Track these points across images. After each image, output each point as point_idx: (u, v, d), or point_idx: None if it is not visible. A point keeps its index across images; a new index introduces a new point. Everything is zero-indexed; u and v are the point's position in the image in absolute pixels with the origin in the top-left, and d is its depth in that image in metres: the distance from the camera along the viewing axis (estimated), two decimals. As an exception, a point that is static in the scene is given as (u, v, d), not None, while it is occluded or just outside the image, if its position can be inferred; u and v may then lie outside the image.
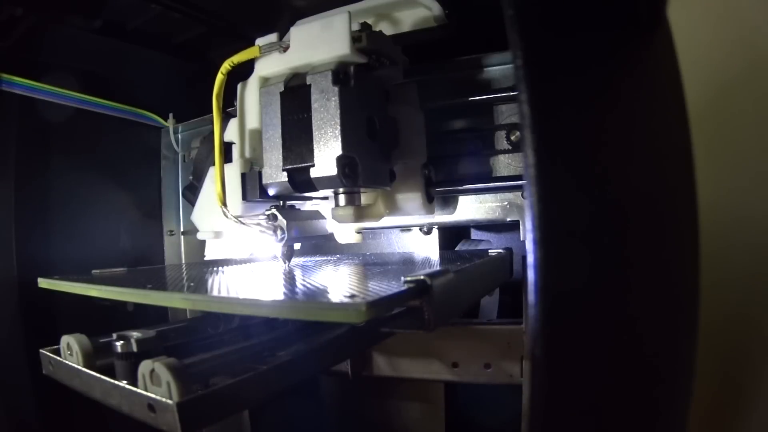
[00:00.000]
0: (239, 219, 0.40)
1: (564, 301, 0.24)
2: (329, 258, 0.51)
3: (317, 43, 0.37)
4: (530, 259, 0.23)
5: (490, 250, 0.45)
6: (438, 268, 0.28)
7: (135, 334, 0.29)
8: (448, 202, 0.49)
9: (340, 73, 0.36)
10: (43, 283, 0.37)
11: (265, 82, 0.40)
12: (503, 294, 0.50)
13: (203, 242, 0.67)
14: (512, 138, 0.46)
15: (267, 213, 0.40)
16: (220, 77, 0.41)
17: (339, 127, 0.35)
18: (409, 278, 0.26)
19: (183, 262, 0.68)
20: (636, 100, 0.31)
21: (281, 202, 0.41)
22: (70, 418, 0.53)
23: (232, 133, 0.43)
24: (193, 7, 0.50)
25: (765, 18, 0.58)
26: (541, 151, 0.23)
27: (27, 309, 0.51)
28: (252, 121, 0.42)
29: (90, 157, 0.60)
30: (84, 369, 0.30)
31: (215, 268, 0.43)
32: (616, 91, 0.30)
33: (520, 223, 0.47)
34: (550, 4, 0.26)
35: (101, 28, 0.53)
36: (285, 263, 0.42)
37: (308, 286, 0.30)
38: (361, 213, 0.41)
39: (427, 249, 0.53)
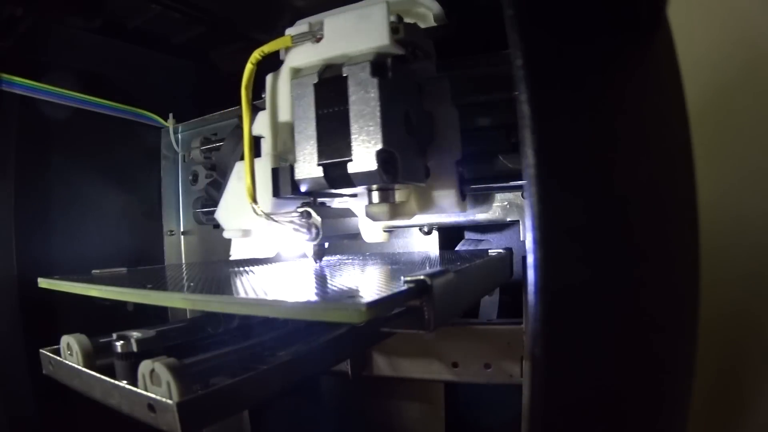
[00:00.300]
0: (271, 216, 0.38)
1: (564, 301, 0.24)
2: (330, 259, 0.51)
3: (354, 33, 0.36)
4: (530, 259, 0.23)
5: (490, 250, 0.45)
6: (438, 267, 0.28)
7: (135, 334, 0.29)
8: (478, 199, 0.48)
9: (378, 64, 0.35)
10: (43, 283, 0.37)
11: (296, 73, 0.39)
12: (503, 294, 0.50)
13: (206, 242, 0.67)
14: (512, 140, 0.46)
15: (300, 210, 0.38)
16: (249, 67, 0.39)
17: (379, 121, 0.34)
18: (409, 278, 0.26)
19: (183, 262, 0.68)
20: (636, 100, 0.31)
21: (312, 198, 0.40)
22: (70, 418, 0.53)
23: (261, 126, 0.41)
24: (193, 7, 0.51)
25: (765, 18, 0.58)
26: (541, 151, 0.23)
27: (27, 309, 0.51)
28: (283, 114, 0.41)
29: (90, 157, 0.60)
30: (84, 369, 0.30)
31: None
32: (616, 90, 0.30)
33: (520, 223, 0.47)
34: (549, 4, 0.26)
35: (101, 28, 0.53)
36: (317, 262, 0.41)
37: (312, 286, 0.30)
38: (395, 210, 0.40)
39: (427, 249, 0.53)
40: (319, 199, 0.42)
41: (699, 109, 0.39)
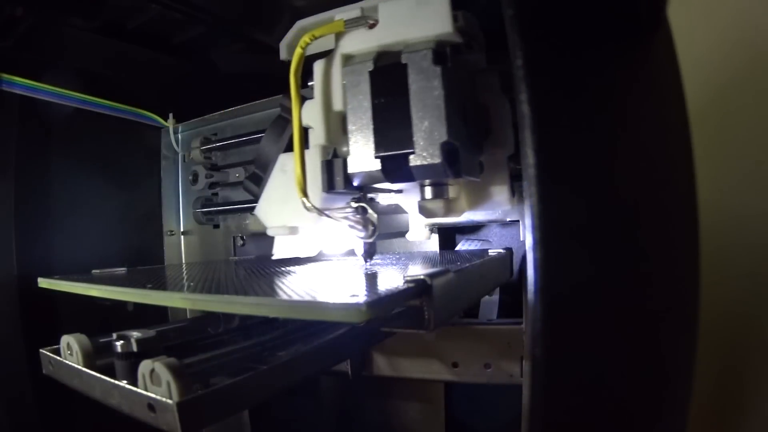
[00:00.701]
0: (324, 212, 0.36)
1: (564, 301, 0.24)
2: (331, 258, 0.51)
3: (413, 19, 0.34)
4: (530, 259, 0.23)
5: (490, 250, 0.45)
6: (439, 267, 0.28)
7: (135, 334, 0.29)
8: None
9: (439, 53, 0.33)
10: (43, 283, 0.37)
11: (347, 60, 0.37)
12: (503, 294, 0.50)
13: (206, 242, 0.67)
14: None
15: (355, 205, 0.36)
16: (298, 51, 0.36)
17: (443, 111, 0.32)
18: (409, 278, 0.26)
19: (183, 262, 0.68)
20: (636, 100, 0.31)
21: (360, 194, 0.38)
22: (70, 418, 0.53)
23: (310, 116, 0.38)
24: (193, 7, 0.50)
25: (765, 18, 0.58)
26: (541, 151, 0.23)
27: (27, 309, 0.51)
28: (333, 102, 0.38)
29: (90, 157, 0.60)
30: (84, 369, 0.30)
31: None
32: (616, 91, 0.30)
33: (520, 223, 0.47)
34: (550, 5, 0.26)
35: (101, 28, 0.53)
36: (366, 261, 0.38)
37: (313, 286, 0.30)
38: (449, 207, 0.38)
39: (427, 249, 0.53)
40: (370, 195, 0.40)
41: (699, 109, 0.39)
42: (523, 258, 0.43)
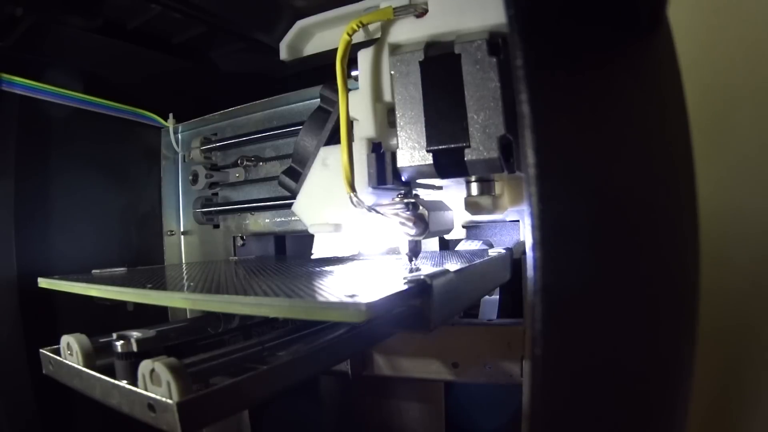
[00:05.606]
0: (372, 208, 0.34)
1: (564, 301, 0.24)
2: (330, 258, 0.51)
3: (465, 8, 0.33)
4: (530, 259, 0.23)
5: (490, 250, 0.45)
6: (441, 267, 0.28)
7: (135, 334, 0.29)
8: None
9: (493, 44, 0.32)
10: (43, 283, 0.37)
11: (395, 49, 0.35)
12: (503, 294, 0.50)
13: (206, 242, 0.67)
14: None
15: (407, 201, 0.34)
16: (345, 38, 0.34)
17: (500, 104, 0.31)
18: (409, 278, 0.26)
19: (183, 261, 0.68)
20: (636, 100, 0.31)
21: (405, 189, 0.37)
22: (70, 418, 0.53)
23: (355, 108, 0.37)
24: (193, 7, 0.50)
25: (765, 18, 0.58)
26: (541, 151, 0.23)
27: (27, 309, 0.51)
28: (380, 94, 0.36)
29: (90, 157, 0.60)
30: (84, 369, 0.30)
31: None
32: (616, 90, 0.30)
33: (521, 223, 0.47)
34: (549, 5, 0.26)
35: (101, 28, 0.53)
36: (411, 261, 0.36)
37: (313, 286, 0.30)
38: (496, 203, 0.37)
39: (426, 249, 0.53)
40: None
41: (699, 109, 0.39)
42: (517, 258, 0.42)
